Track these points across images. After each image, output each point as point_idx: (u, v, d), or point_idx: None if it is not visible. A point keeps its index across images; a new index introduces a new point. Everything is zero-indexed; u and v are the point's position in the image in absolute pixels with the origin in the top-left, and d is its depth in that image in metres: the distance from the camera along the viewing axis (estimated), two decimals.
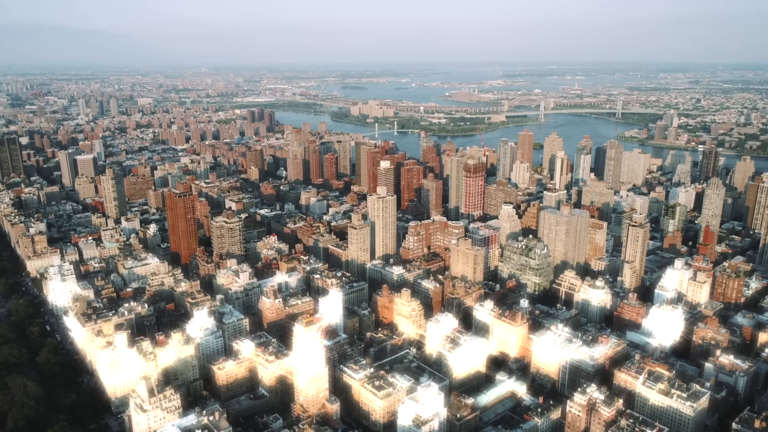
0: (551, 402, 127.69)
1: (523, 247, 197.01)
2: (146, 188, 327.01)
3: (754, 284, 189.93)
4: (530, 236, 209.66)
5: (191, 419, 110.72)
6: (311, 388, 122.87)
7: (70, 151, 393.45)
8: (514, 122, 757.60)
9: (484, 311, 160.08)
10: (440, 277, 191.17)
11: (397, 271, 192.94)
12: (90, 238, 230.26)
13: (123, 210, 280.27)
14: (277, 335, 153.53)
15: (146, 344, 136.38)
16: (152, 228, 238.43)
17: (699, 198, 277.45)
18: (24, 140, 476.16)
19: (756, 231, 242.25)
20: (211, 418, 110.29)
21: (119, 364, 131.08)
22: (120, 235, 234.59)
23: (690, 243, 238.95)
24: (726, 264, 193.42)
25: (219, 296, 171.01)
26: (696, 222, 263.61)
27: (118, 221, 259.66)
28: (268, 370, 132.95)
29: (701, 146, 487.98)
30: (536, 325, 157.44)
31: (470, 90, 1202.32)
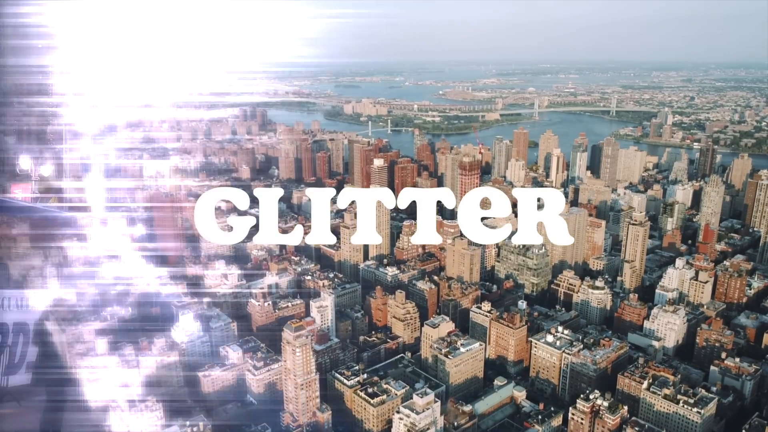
0: (552, 408, 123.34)
1: (521, 246, 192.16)
2: (135, 187, 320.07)
3: (756, 284, 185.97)
4: None
5: (174, 431, 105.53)
6: (301, 395, 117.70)
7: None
8: (508, 120, 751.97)
9: (481, 313, 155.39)
10: (436, 278, 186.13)
11: (391, 271, 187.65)
12: (75, 238, 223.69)
13: (110, 209, 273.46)
14: (266, 339, 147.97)
15: (128, 350, 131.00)
16: (139, 228, 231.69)
17: (696, 195, 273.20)
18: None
19: (755, 229, 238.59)
20: (195, 428, 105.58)
21: (99, 371, 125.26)
22: (105, 236, 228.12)
23: (689, 241, 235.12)
24: (727, 263, 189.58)
25: (206, 299, 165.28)
26: (694, 220, 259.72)
27: (104, 221, 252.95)
28: (257, 377, 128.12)
29: (696, 144, 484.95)
30: (535, 327, 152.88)
31: (464, 88, 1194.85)
